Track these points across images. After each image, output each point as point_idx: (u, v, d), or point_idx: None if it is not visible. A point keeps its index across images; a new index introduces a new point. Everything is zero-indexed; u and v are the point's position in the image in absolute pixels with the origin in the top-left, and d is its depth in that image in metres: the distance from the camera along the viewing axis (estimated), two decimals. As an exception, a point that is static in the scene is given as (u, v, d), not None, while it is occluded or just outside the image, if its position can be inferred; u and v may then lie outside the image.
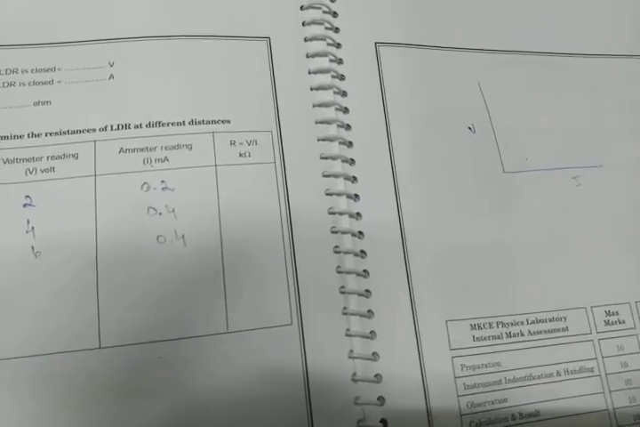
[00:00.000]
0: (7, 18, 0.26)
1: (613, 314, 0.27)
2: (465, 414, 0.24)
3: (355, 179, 0.26)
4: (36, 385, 0.21)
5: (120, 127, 0.24)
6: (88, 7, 0.26)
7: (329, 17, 0.28)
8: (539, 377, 0.25)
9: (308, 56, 0.27)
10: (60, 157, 0.24)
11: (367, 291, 0.24)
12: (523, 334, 0.25)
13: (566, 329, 0.26)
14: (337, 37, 0.27)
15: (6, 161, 0.24)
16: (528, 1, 0.31)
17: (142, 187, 0.24)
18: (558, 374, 0.25)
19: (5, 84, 0.25)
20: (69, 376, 0.21)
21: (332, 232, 0.25)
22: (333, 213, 0.25)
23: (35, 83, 0.25)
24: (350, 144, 0.26)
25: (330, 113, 0.26)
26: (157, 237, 0.23)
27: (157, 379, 0.22)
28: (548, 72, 0.30)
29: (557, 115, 0.29)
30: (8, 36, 0.25)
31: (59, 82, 0.25)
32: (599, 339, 0.26)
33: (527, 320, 0.26)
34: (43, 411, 0.21)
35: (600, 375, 0.26)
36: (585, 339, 0.26)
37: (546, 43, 0.30)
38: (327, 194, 0.25)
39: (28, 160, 0.24)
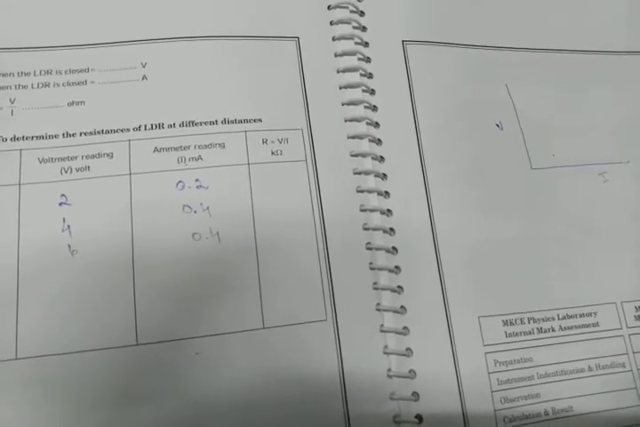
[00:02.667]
0: (41, 20, 0.26)
1: (644, 310, 0.27)
2: (499, 410, 0.24)
3: (385, 176, 0.26)
4: (73, 382, 0.22)
5: (154, 127, 0.25)
6: (120, 9, 0.26)
7: (356, 16, 0.28)
8: (570, 372, 0.25)
9: (336, 55, 0.27)
10: (94, 157, 0.24)
11: (399, 287, 0.24)
12: (554, 330, 0.25)
13: (597, 324, 0.26)
14: (364, 36, 0.28)
15: (42, 160, 0.24)
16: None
17: (177, 185, 0.24)
18: (590, 369, 0.25)
19: (40, 85, 0.25)
20: (107, 373, 0.22)
21: (364, 229, 0.25)
22: (364, 210, 0.25)
23: (69, 83, 0.25)
24: (379, 142, 0.26)
25: (359, 111, 0.26)
26: (193, 235, 0.23)
27: (194, 375, 0.22)
28: (574, 69, 0.30)
29: (584, 111, 0.29)
30: (42, 37, 0.26)
31: (92, 82, 0.25)
32: (630, 334, 0.26)
33: (558, 316, 0.26)
34: (78, 408, 0.21)
35: (632, 371, 0.26)
36: (616, 334, 0.26)
37: (572, 40, 0.30)
38: (358, 191, 0.25)
39: (62, 159, 0.24)
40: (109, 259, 0.23)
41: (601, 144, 0.29)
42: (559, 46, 0.30)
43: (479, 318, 0.25)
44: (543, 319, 0.25)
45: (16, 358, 0.21)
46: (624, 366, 0.26)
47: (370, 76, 0.27)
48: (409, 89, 0.27)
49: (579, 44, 0.31)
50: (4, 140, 0.24)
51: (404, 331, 0.24)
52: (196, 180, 0.24)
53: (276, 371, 0.22)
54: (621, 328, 0.26)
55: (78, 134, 0.24)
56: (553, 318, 0.26)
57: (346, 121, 0.26)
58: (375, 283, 0.24)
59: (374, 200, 0.25)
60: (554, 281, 0.26)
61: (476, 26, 0.29)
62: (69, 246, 0.23)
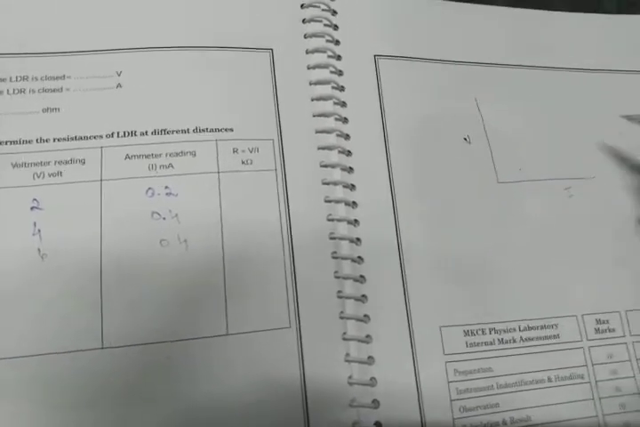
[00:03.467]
0: (18, 27, 0.26)
1: (604, 322, 0.27)
2: (457, 418, 0.24)
3: (353, 186, 0.26)
4: (36, 384, 0.22)
5: (126, 134, 0.25)
6: (97, 18, 0.27)
7: (330, 30, 0.28)
8: (530, 383, 0.25)
9: (309, 67, 0.28)
10: (67, 162, 0.25)
11: (364, 296, 0.25)
12: (515, 341, 0.26)
13: (557, 336, 0.26)
14: (337, 50, 0.28)
15: (15, 165, 0.24)
16: (525, 17, 0.32)
17: (147, 192, 0.24)
18: (549, 380, 0.26)
19: (16, 91, 0.25)
20: (70, 376, 0.22)
21: (331, 238, 0.25)
22: (332, 220, 0.25)
23: (44, 90, 0.26)
24: (349, 153, 0.27)
25: (330, 123, 0.27)
26: (161, 241, 0.24)
27: (158, 381, 0.22)
28: (543, 85, 0.31)
29: (551, 126, 0.30)
30: (19, 44, 0.26)
31: (67, 89, 0.26)
32: (589, 346, 0.27)
33: (519, 327, 0.26)
34: (44, 409, 0.22)
35: (590, 382, 0.26)
36: (576, 346, 0.27)
37: (541, 57, 0.31)
38: (326, 201, 0.26)
39: (36, 164, 0.24)
40: (78, 263, 0.23)
41: (567, 159, 0.30)
42: (529, 62, 0.31)
43: (440, 327, 0.25)
44: (504, 330, 0.26)
45: (-20, 360, 0.22)
46: (583, 378, 0.26)
47: (341, 88, 0.28)
48: (379, 102, 0.28)
49: (548, 61, 0.31)
50: (-22, 144, 0.24)
51: (367, 339, 0.24)
52: (166, 187, 0.24)
53: (237, 377, 0.23)
54: (582, 340, 0.27)
55: (52, 140, 0.25)
56: (514, 329, 0.26)
57: (316, 132, 0.27)
58: (340, 291, 0.25)
59: (342, 210, 0.26)
60: (516, 293, 0.27)
61: (447, 41, 0.30)
62: (39, 250, 0.23)
